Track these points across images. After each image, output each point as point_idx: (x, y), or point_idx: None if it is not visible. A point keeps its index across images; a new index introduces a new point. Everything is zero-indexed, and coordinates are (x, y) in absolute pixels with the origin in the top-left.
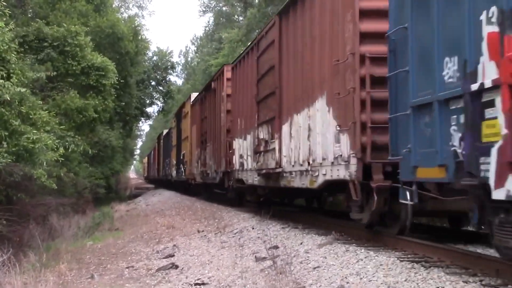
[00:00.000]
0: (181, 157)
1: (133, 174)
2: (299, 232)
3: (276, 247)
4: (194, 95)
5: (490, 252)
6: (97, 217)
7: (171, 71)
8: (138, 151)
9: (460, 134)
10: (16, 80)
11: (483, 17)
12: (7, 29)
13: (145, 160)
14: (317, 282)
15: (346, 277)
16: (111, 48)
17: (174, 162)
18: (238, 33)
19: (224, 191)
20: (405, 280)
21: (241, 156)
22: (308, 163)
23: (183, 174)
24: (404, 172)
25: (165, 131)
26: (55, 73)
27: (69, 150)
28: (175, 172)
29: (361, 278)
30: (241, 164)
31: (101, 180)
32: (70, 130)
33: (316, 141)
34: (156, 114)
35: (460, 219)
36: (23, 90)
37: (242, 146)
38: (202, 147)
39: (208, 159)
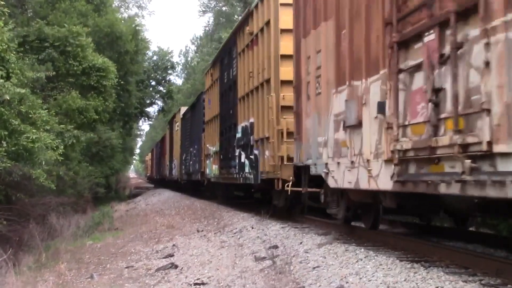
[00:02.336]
0: (243, 134)
1: (133, 173)
2: (298, 232)
3: (276, 247)
4: None
5: (490, 252)
6: (97, 216)
7: (171, 71)
8: (138, 151)
9: None
10: (16, 80)
11: None
12: (6, 28)
13: (148, 157)
14: (316, 282)
15: (345, 277)
16: (110, 47)
17: (212, 149)
18: None
19: None
20: (405, 280)
21: None
22: None
23: (250, 170)
24: None
25: (183, 109)
26: (54, 73)
27: (69, 144)
28: (216, 168)
29: (360, 278)
30: None
31: (101, 180)
32: (69, 131)
33: None
34: (156, 114)
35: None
36: (22, 91)
37: None
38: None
39: None
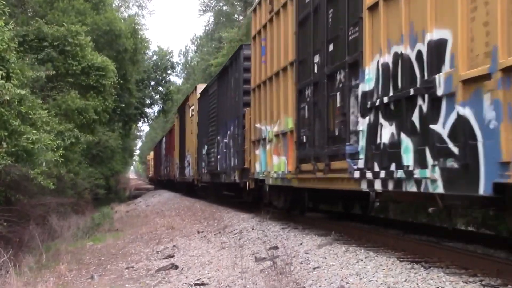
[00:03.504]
0: (389, 78)
1: (132, 174)
2: (299, 233)
3: (276, 248)
4: None
5: (490, 252)
6: (97, 217)
7: (171, 71)
8: (137, 152)
9: None
10: (16, 81)
11: None
12: (6, 28)
13: (150, 156)
14: (317, 282)
15: (346, 278)
16: (109, 46)
17: (271, 130)
18: (238, 32)
19: None
20: (405, 281)
21: None
22: None
23: (434, 160)
24: None
25: (200, 87)
26: (54, 72)
27: (68, 143)
28: (282, 161)
29: (361, 279)
30: None
31: (101, 181)
32: (70, 130)
33: None
34: (156, 114)
35: None
36: (23, 92)
37: None
38: None
39: None
